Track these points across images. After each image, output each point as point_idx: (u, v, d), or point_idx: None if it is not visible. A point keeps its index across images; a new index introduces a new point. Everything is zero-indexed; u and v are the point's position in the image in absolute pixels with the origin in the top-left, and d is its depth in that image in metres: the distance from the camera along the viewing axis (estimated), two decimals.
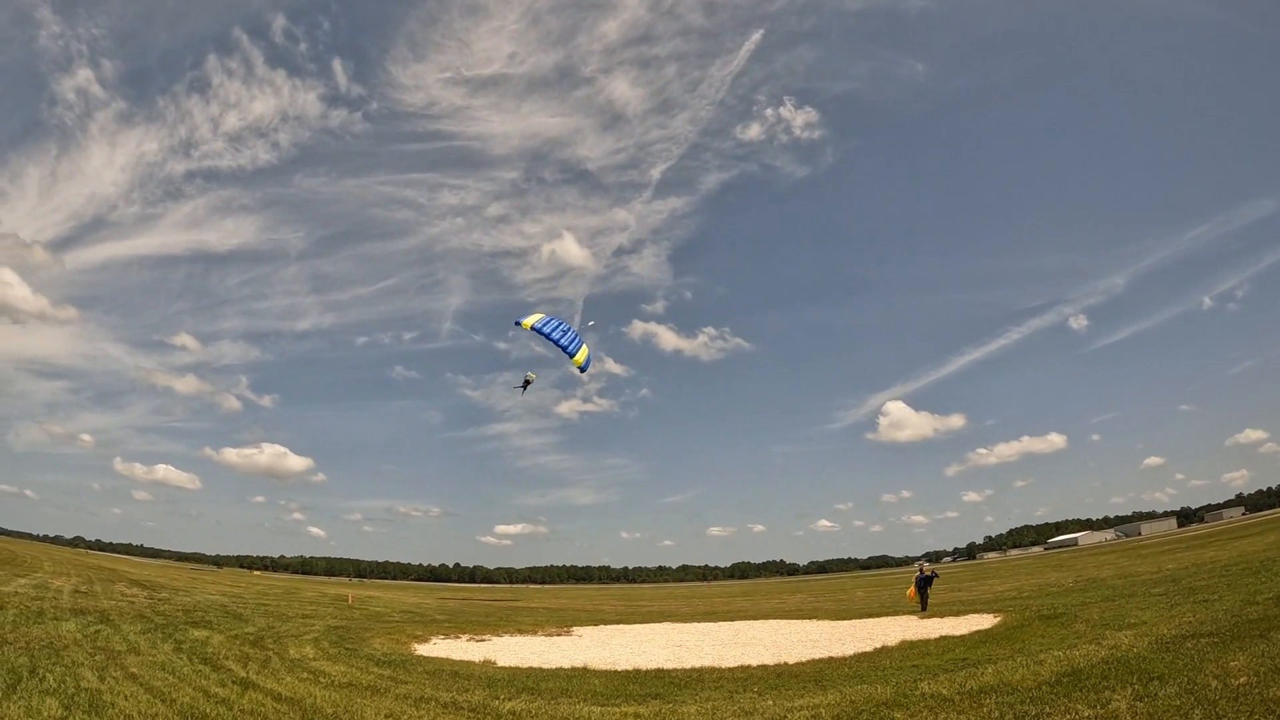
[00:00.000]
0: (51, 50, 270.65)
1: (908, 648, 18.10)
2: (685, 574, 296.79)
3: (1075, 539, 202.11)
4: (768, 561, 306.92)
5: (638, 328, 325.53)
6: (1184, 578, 26.34)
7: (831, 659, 17.27)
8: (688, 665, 17.47)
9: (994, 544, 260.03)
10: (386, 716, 11.07)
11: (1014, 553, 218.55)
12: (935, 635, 20.15)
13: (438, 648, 22.07)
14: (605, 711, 11.60)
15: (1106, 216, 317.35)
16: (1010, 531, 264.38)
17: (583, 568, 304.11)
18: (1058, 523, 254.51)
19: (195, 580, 65.64)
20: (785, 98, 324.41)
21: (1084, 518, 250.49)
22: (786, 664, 16.83)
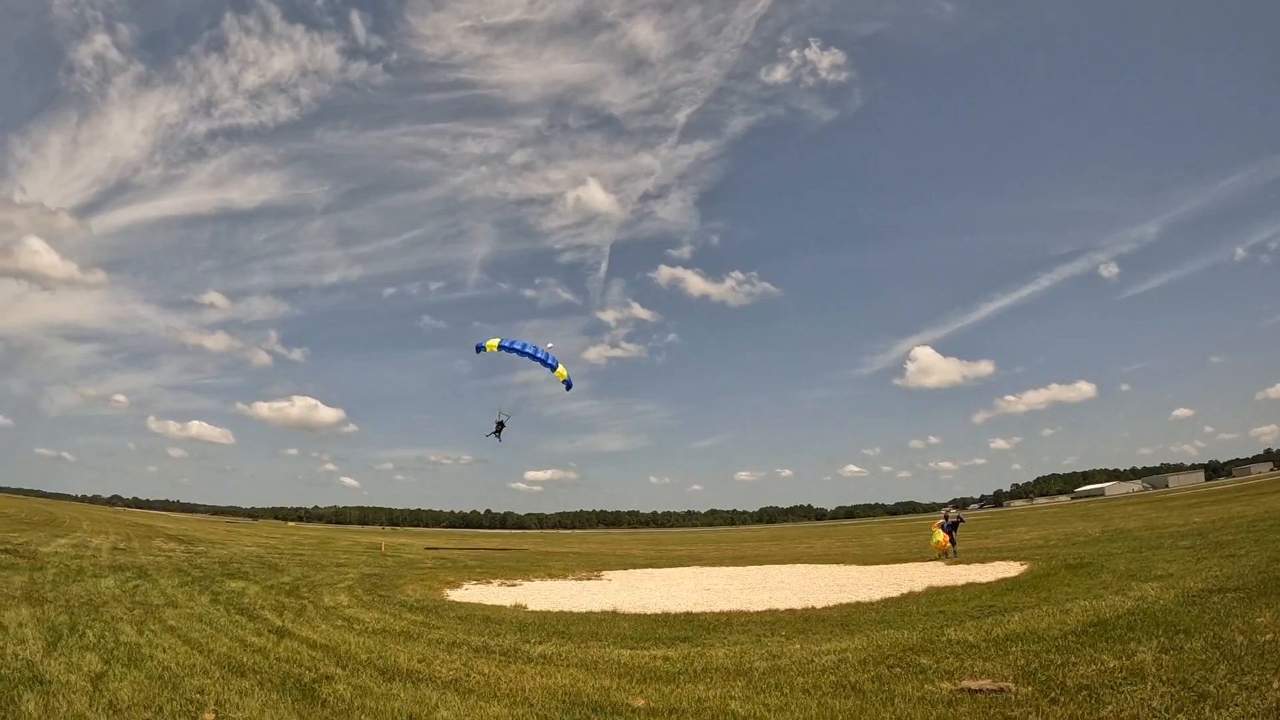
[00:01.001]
0: (67, 18, 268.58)
1: (934, 594, 18.18)
2: (713, 519, 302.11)
3: (1102, 489, 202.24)
4: (795, 506, 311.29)
5: (665, 273, 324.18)
6: (1211, 532, 26.21)
7: (858, 604, 17.38)
8: (716, 609, 17.67)
9: (1021, 492, 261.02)
10: (419, 661, 11.29)
11: (1041, 501, 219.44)
12: (962, 582, 20.24)
13: (469, 593, 22.60)
14: (635, 654, 11.73)
15: (1139, 163, 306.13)
16: (1037, 480, 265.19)
17: (612, 513, 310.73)
18: (1085, 472, 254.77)
19: (231, 533, 67.92)
20: (811, 39, 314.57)
21: (1111, 468, 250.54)
22: (814, 608, 16.96)
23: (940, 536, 30.89)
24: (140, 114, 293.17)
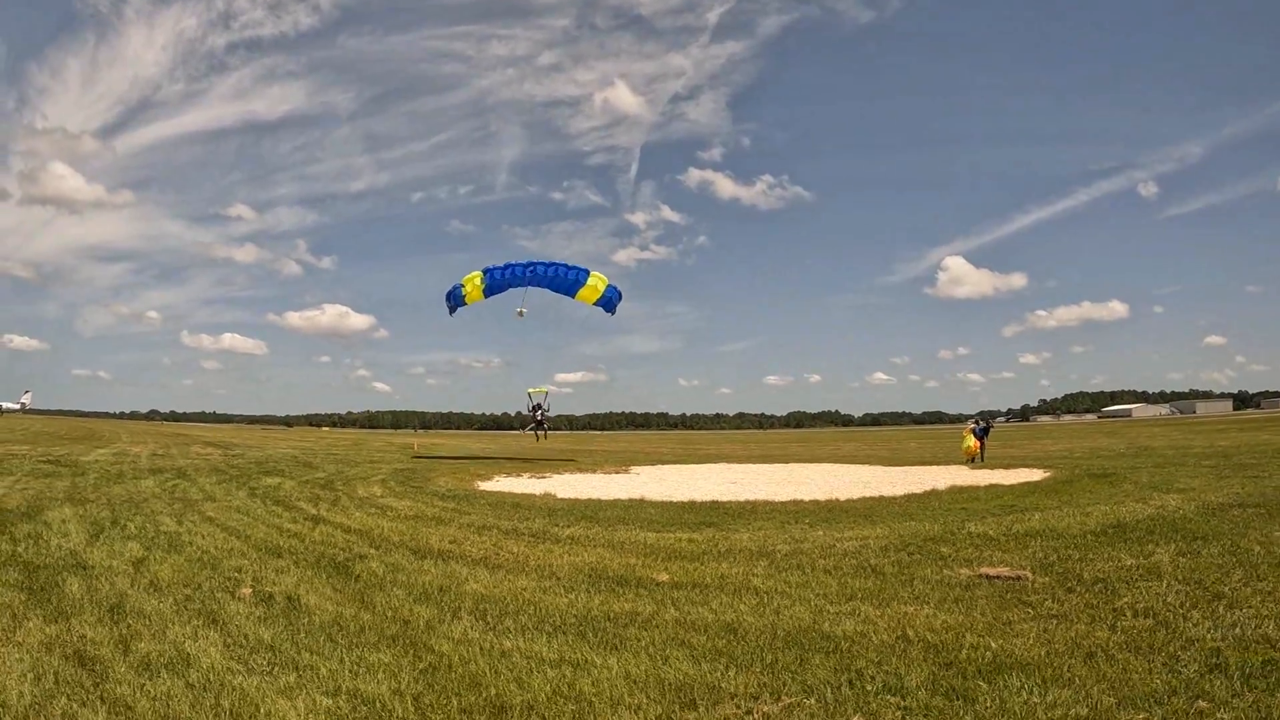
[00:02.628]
0: None
1: (957, 492, 18.45)
2: (742, 421, 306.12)
3: (1129, 410, 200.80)
4: (823, 412, 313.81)
5: (694, 175, 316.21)
6: (1235, 455, 26.18)
7: (882, 498, 17.64)
8: (741, 498, 18.05)
9: (1048, 408, 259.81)
10: (450, 542, 11.72)
11: (1067, 418, 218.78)
12: (985, 484, 20.59)
13: (500, 484, 23.32)
14: (661, 537, 12.04)
15: (1187, 80, 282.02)
16: (1065, 397, 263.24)
17: (641, 414, 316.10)
18: (1113, 392, 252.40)
19: (267, 439, 70.52)
20: None
21: (1140, 390, 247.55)
22: (838, 500, 17.22)
23: (972, 441, 31.32)
24: (158, 31, 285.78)
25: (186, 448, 42.53)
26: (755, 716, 4.94)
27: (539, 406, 37.26)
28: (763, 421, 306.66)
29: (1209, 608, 6.97)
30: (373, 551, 10.90)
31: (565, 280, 30.81)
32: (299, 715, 4.99)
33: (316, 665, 5.95)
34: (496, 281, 30.82)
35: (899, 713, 4.88)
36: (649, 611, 7.50)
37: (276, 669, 5.88)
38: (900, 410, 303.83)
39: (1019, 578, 8.53)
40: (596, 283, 31.13)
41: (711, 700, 5.21)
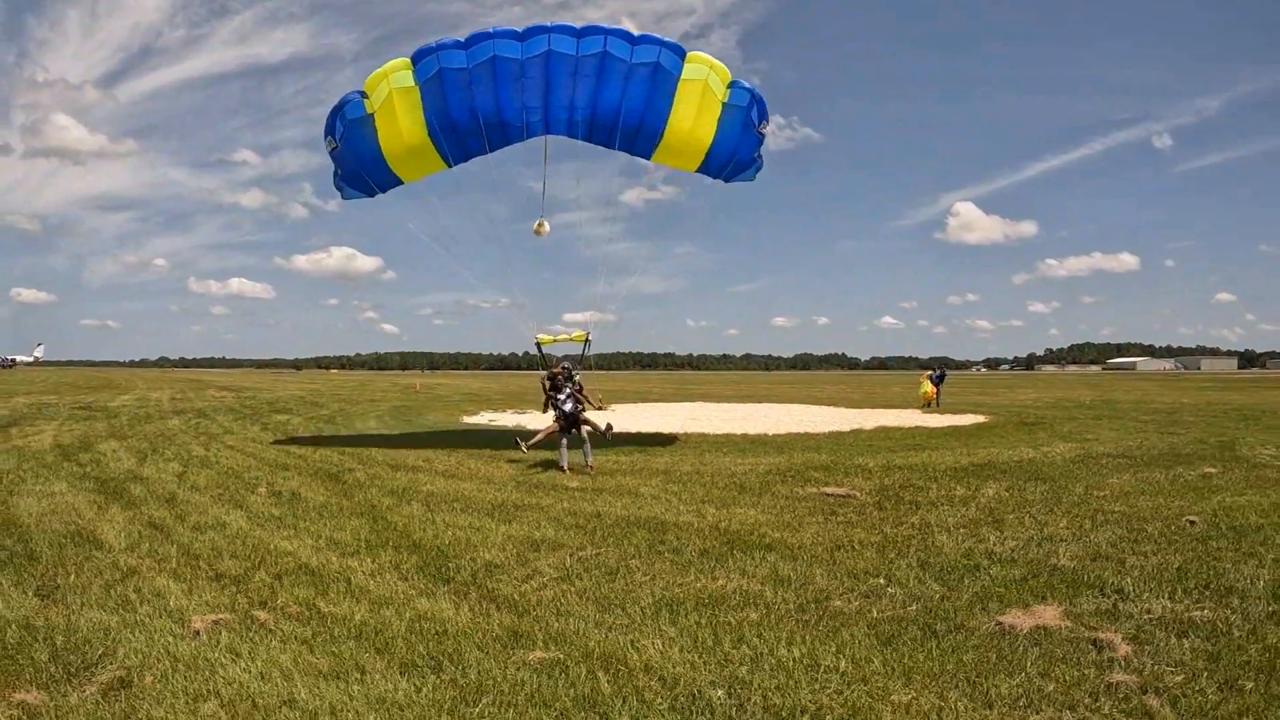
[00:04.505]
0: None
1: (879, 432, 21.31)
2: (748, 362, 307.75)
3: (1135, 363, 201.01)
4: (830, 354, 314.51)
5: None
6: (1185, 412, 28.03)
7: (806, 434, 20.60)
8: (686, 431, 21.14)
9: (1054, 357, 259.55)
10: (423, 460, 14.88)
11: (1072, 369, 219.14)
12: (912, 425, 23.37)
13: (482, 418, 26.60)
14: (594, 457, 14.74)
15: (1207, 32, 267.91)
16: (1071, 347, 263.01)
17: (649, 355, 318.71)
18: (1120, 345, 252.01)
19: (277, 382, 74.32)
20: None
21: (1147, 343, 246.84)
22: (765, 435, 20.28)
23: (928, 388, 34.03)
24: None
25: (202, 392, 46.05)
26: (573, 557, 7.83)
27: (562, 371, 14.91)
28: (769, 363, 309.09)
29: (974, 529, 8.94)
30: (359, 466, 14.02)
31: (632, 107, 13.70)
32: (296, 550, 8.03)
33: (308, 527, 9.05)
34: (457, 115, 13.48)
35: (668, 562, 7.55)
36: (546, 503, 10.47)
37: (282, 528, 8.97)
38: (907, 355, 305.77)
39: (849, 496, 11.03)
40: (704, 106, 14.02)
41: (552, 548, 8.12)
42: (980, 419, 26.28)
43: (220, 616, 5.79)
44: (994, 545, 8.12)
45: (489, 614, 5.96)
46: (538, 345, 15.51)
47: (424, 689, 4.56)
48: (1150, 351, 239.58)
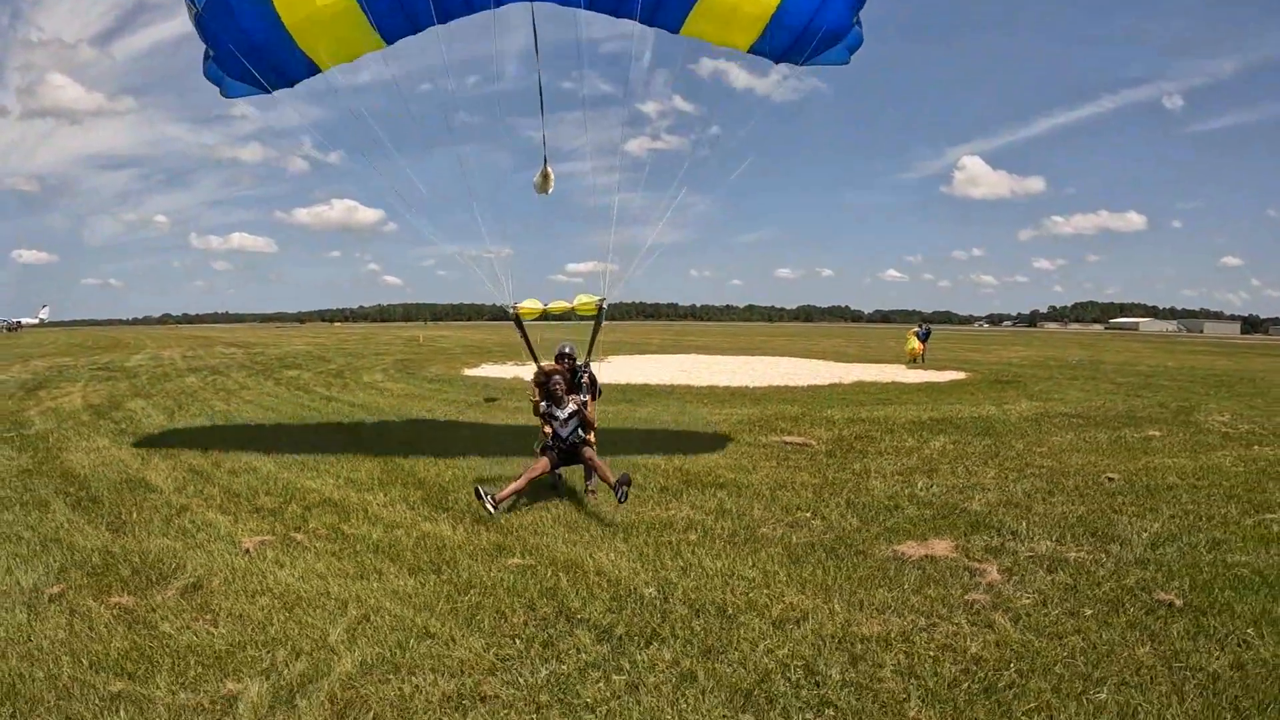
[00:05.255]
0: None
1: (856, 386, 22.49)
2: (751, 314, 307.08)
3: (1137, 324, 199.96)
4: (833, 306, 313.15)
5: (706, 65, 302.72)
6: (1164, 375, 28.41)
7: (786, 387, 21.85)
8: (671, 383, 22.38)
9: (1058, 315, 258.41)
10: (427, 411, 16.31)
11: (1074, 326, 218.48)
12: (889, 380, 24.43)
13: (482, 370, 27.97)
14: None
15: None
16: (1075, 305, 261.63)
17: (651, 305, 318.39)
18: (1124, 305, 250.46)
19: (281, 336, 75.82)
20: None
21: (1151, 304, 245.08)
22: (746, 388, 21.56)
23: (915, 344, 34.91)
24: None
25: (211, 349, 47.49)
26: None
27: (564, 370, 9.44)
28: (772, 314, 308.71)
29: (907, 476, 10.10)
30: (369, 416, 15.46)
31: None
32: (320, 487, 9.44)
33: (328, 468, 10.49)
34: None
35: (635, 500, 8.85)
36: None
37: (306, 471, 10.41)
38: (911, 308, 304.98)
39: (805, 444, 12.37)
40: None
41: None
42: (959, 376, 27.33)
43: (264, 538, 7.25)
44: (919, 490, 9.43)
45: (479, 533, 7.47)
46: (517, 321, 9.82)
47: (427, 585, 6.09)
48: (1154, 313, 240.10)
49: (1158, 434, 13.78)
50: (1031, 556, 6.96)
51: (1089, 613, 5.66)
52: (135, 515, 8.24)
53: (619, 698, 4.43)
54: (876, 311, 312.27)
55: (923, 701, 4.40)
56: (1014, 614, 5.67)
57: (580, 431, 8.66)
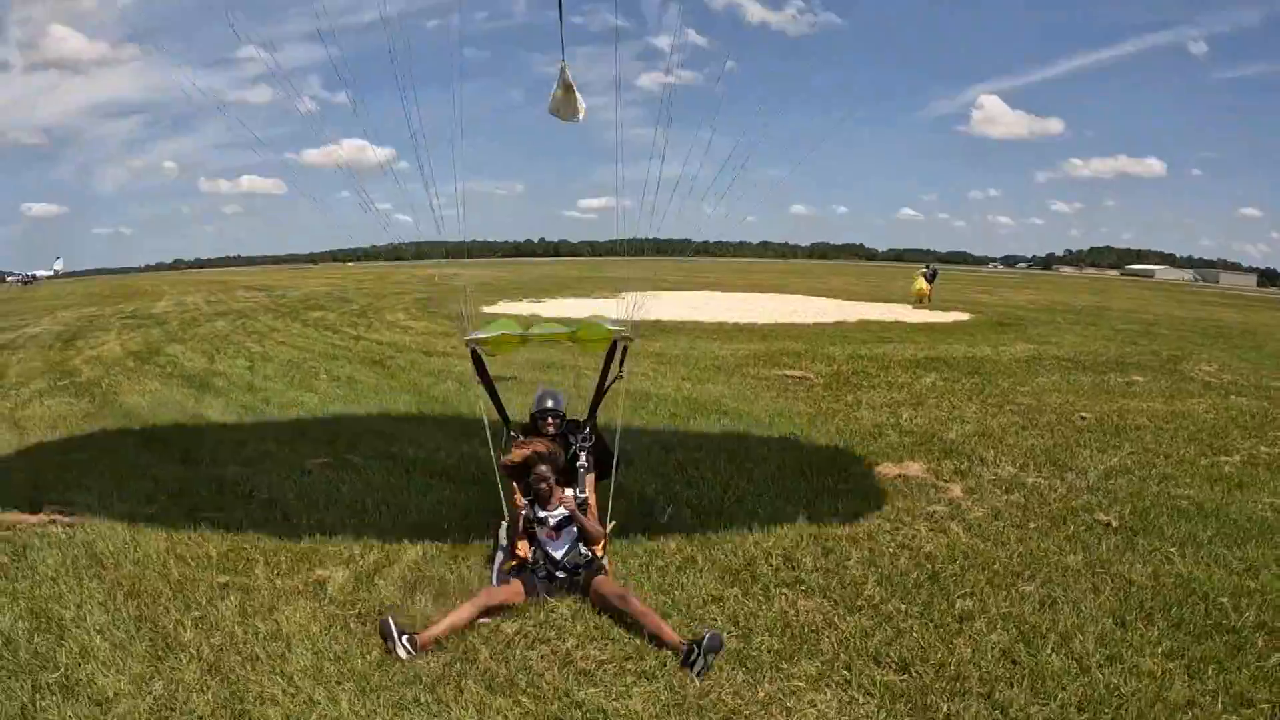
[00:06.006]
0: None
1: (859, 325, 23.11)
2: (765, 250, 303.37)
3: (1153, 271, 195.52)
4: (847, 244, 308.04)
5: None
6: (1165, 324, 28.09)
7: (792, 324, 22.66)
8: (679, 319, 23.19)
9: (1074, 259, 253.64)
10: (450, 348, 17.32)
11: (1089, 271, 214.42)
12: (892, 320, 24.90)
13: (499, 307, 28.96)
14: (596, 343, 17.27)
15: None
16: (1091, 249, 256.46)
17: (665, 240, 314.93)
18: (1140, 251, 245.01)
19: (297, 278, 76.92)
20: None
21: (1168, 252, 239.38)
22: (754, 324, 22.41)
23: (923, 284, 35.02)
24: None
25: (231, 293, 48.56)
26: None
27: (552, 451, 5.75)
28: (785, 251, 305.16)
29: (895, 409, 10.99)
30: (397, 354, 16.53)
31: None
32: (363, 417, 10.53)
33: (369, 401, 11.60)
34: None
35: (643, 419, 10.01)
36: (553, 378, 12.93)
37: (349, 404, 11.52)
38: (925, 248, 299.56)
39: (805, 378, 13.33)
40: None
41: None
42: (962, 317, 27.76)
43: (323, 461, 8.37)
44: (903, 421, 10.40)
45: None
46: (476, 362, 6.77)
47: (471, 494, 7.24)
48: (1170, 260, 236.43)
49: (1141, 379, 14.23)
50: (994, 480, 7.89)
51: (1033, 526, 6.60)
52: (201, 448, 9.27)
53: (636, 573, 5.57)
54: (891, 250, 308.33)
55: (879, 584, 5.44)
56: (967, 524, 6.66)
57: (583, 549, 5.41)
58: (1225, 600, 5.16)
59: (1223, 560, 5.89)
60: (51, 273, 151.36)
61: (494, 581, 5.31)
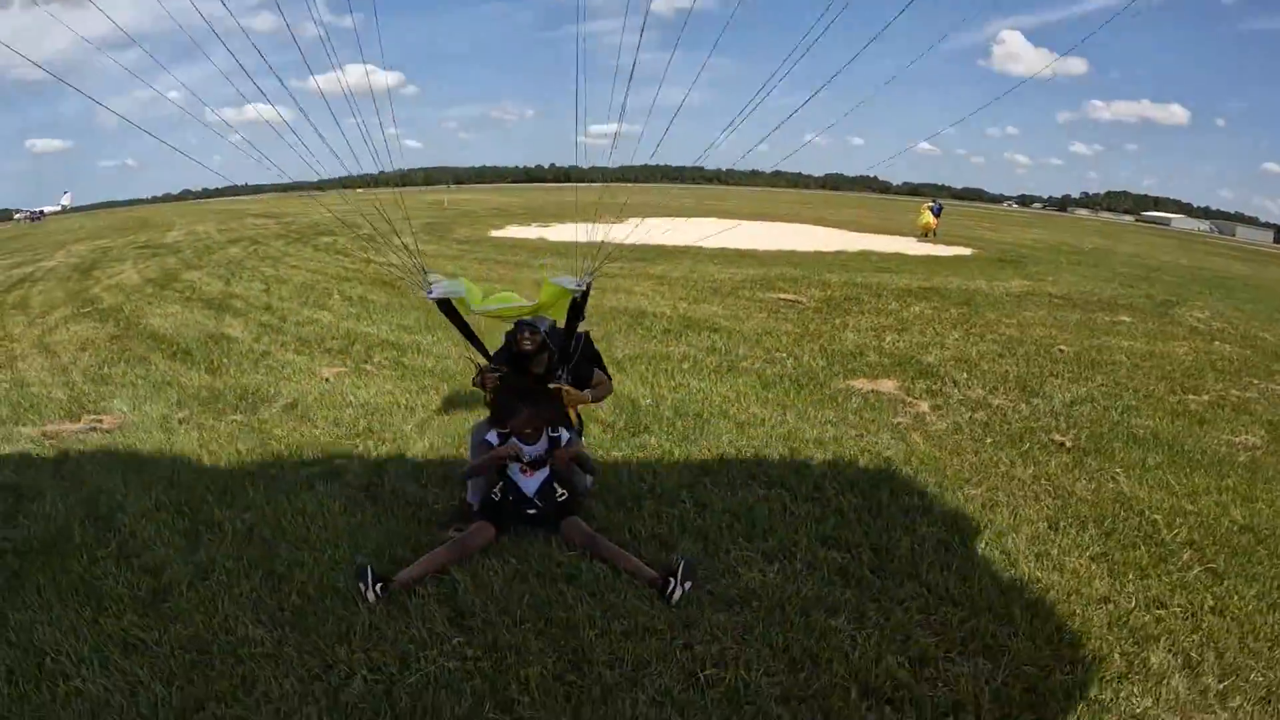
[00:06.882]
0: None
1: (860, 255, 23.13)
2: (777, 179, 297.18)
3: (1169, 219, 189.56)
4: (861, 176, 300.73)
5: None
6: (1169, 271, 27.37)
7: (792, 252, 22.78)
8: (685, 244, 23.30)
9: (1090, 201, 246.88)
10: (459, 268, 17.76)
11: (1105, 215, 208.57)
12: (893, 251, 24.83)
13: (508, 232, 29.24)
14: (605, 266, 17.69)
15: None
16: (1108, 193, 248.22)
17: (676, 168, 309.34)
18: (1158, 198, 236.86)
19: (306, 205, 76.38)
20: None
21: (1186, 201, 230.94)
22: (755, 250, 22.55)
23: (929, 218, 34.45)
24: None
25: (242, 220, 48.72)
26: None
27: (534, 354, 5.70)
28: (798, 181, 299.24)
29: (880, 333, 11.29)
30: (408, 275, 16.95)
31: None
32: (376, 332, 11.10)
33: (380, 318, 12.17)
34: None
35: (639, 335, 10.58)
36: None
37: (362, 320, 12.10)
38: (941, 183, 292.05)
39: (797, 301, 13.74)
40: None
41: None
42: (964, 252, 27.63)
43: (339, 369, 9.00)
44: (886, 344, 10.83)
45: None
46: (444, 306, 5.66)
47: (477, 395, 7.58)
48: (1187, 210, 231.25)
49: (1128, 320, 14.16)
50: (962, 400, 8.34)
51: (989, 441, 7.08)
52: (225, 361, 9.89)
53: (619, 467, 6.18)
54: (905, 184, 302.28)
55: (838, 482, 6.00)
56: (928, 435, 7.19)
57: (558, 487, 5.00)
58: (1159, 518, 5.51)
59: (1166, 484, 6.15)
60: (59, 208, 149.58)
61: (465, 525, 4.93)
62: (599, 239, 5.97)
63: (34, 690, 3.57)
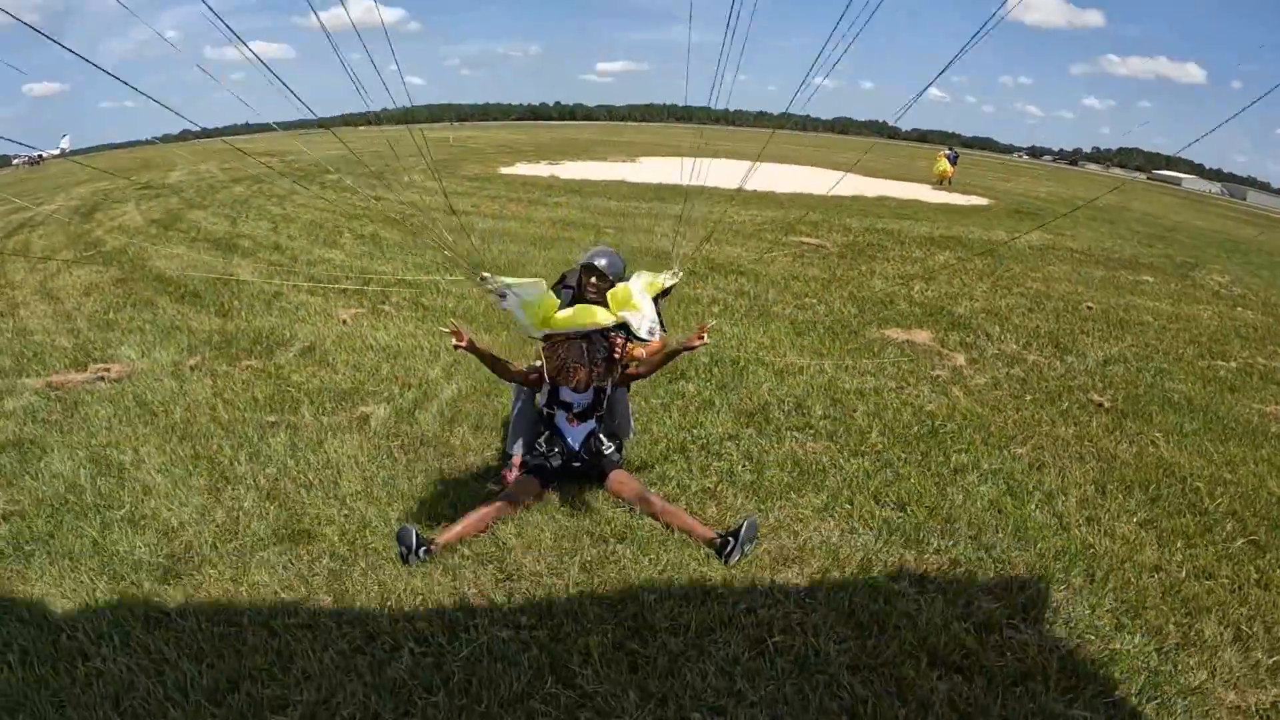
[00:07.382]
0: None
1: (878, 200, 22.35)
2: (785, 122, 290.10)
3: (1181, 179, 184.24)
4: (870, 120, 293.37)
5: None
6: (1184, 232, 26.50)
7: (810, 194, 22.00)
8: (704, 184, 22.63)
9: (1101, 157, 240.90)
10: (471, 206, 17.35)
11: (1117, 171, 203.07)
12: (910, 197, 24.10)
13: (517, 169, 28.43)
14: (619, 204, 17.26)
15: None
16: (1120, 150, 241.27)
17: (683, 107, 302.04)
18: (1170, 157, 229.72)
19: (311, 143, 74.92)
20: None
21: (1198, 162, 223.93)
22: (772, 192, 21.87)
23: (945, 165, 33.57)
24: None
25: (245, 159, 47.47)
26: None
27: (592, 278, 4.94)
28: (806, 124, 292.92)
29: (907, 281, 11.09)
30: (418, 213, 16.43)
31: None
32: (392, 270, 10.74)
33: (393, 256, 11.82)
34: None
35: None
36: (576, 236, 13.06)
37: (375, 259, 11.72)
38: (951, 131, 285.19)
39: (820, 246, 13.38)
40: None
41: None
42: (981, 202, 26.97)
43: (357, 311, 8.66)
44: (915, 292, 10.55)
45: None
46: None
47: (501, 337, 7.59)
48: (1199, 171, 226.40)
49: (1151, 280, 13.91)
50: (997, 354, 8.09)
51: (1029, 398, 6.86)
52: (236, 303, 9.46)
53: (658, 412, 5.98)
54: (915, 130, 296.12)
55: (881, 434, 5.76)
56: (968, 389, 6.93)
57: (602, 437, 4.79)
58: (1201, 485, 5.37)
59: (1204, 451, 6.05)
60: (59, 152, 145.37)
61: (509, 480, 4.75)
62: (698, 182, 6.29)
63: (51, 673, 3.24)
